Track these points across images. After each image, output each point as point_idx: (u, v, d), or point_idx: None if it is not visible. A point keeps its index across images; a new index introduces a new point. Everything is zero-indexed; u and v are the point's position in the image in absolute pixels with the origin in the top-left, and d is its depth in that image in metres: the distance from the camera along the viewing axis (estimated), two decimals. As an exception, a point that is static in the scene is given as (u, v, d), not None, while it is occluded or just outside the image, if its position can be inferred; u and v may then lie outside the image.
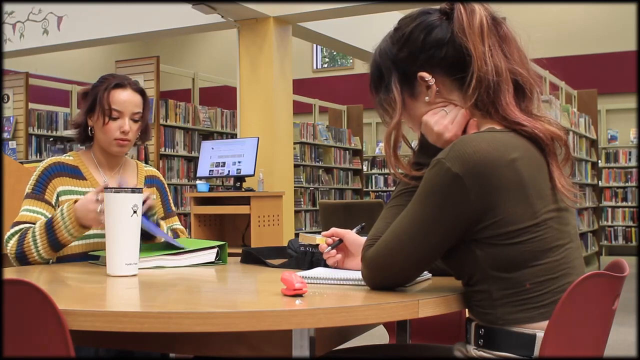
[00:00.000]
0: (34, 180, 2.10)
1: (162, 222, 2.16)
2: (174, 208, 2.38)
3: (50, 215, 2.02)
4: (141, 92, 2.20)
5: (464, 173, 1.24)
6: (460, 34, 1.34)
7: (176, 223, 2.32)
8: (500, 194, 1.24)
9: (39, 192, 2.08)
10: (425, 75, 1.38)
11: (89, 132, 2.18)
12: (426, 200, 1.29)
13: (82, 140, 2.22)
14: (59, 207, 2.07)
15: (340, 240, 1.60)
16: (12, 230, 2.01)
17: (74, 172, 2.14)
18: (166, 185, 2.38)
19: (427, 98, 1.40)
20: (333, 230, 1.63)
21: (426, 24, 1.39)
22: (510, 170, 1.25)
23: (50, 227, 1.93)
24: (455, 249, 1.31)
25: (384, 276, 1.35)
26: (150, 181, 2.32)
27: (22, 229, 2.00)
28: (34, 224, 2.01)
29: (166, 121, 6.86)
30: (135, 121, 2.16)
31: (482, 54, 1.32)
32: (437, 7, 1.42)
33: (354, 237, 1.60)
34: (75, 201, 1.92)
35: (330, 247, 1.59)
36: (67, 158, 2.18)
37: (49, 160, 2.15)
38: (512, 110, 1.32)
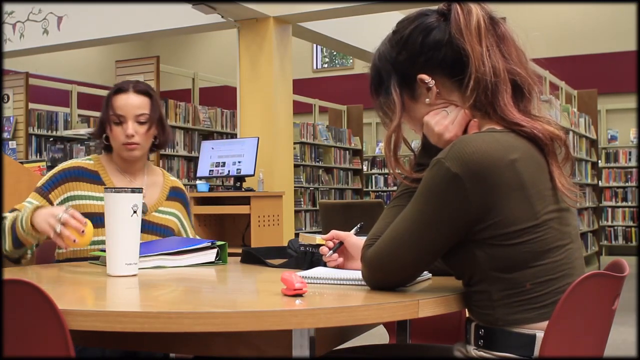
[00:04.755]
0: (48, 177, 2.10)
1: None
2: (193, 233, 2.29)
3: None
4: (146, 92, 2.17)
5: (463, 173, 1.24)
6: (457, 34, 1.34)
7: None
8: (499, 194, 1.24)
9: (45, 189, 2.07)
10: (425, 78, 1.38)
11: (105, 140, 2.18)
12: (425, 200, 1.29)
13: (103, 149, 2.21)
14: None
15: (341, 243, 1.60)
16: (5, 214, 1.99)
17: (93, 177, 2.13)
18: (189, 199, 2.33)
19: (427, 100, 1.40)
20: (333, 233, 1.62)
21: (424, 26, 1.38)
22: (510, 171, 1.25)
23: (15, 220, 1.90)
24: (455, 249, 1.31)
25: (383, 276, 1.34)
26: (175, 194, 2.27)
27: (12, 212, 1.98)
28: None
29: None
30: (142, 123, 2.13)
31: (479, 54, 1.32)
32: (435, 8, 1.42)
33: (354, 240, 1.59)
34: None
35: (331, 251, 1.59)
36: (87, 162, 2.16)
37: (69, 163, 2.13)
38: (510, 110, 1.32)
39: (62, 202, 2.08)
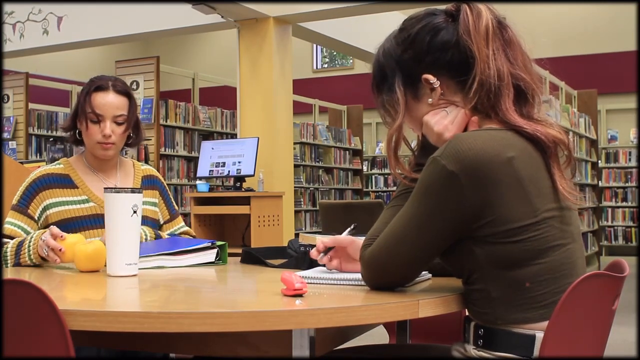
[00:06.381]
0: (21, 191, 2.09)
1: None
2: (177, 208, 2.33)
3: (31, 230, 2.03)
4: (125, 93, 2.16)
5: (459, 171, 1.24)
6: (465, 35, 1.34)
7: (181, 225, 2.29)
8: (496, 191, 1.24)
9: (23, 206, 2.07)
10: (430, 78, 1.38)
11: (77, 135, 2.17)
12: (422, 198, 1.29)
13: (73, 143, 2.21)
14: (44, 220, 2.07)
15: (330, 248, 1.53)
16: None
17: (64, 181, 2.12)
18: (166, 185, 2.33)
19: (430, 100, 1.39)
20: (334, 239, 1.54)
21: (432, 26, 1.38)
22: (507, 168, 1.25)
23: (18, 250, 1.92)
24: (454, 246, 1.31)
25: (382, 275, 1.34)
26: (149, 182, 2.26)
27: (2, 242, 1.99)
28: (12, 237, 2.00)
29: (166, 121, 6.86)
30: (119, 124, 2.13)
31: (485, 57, 1.32)
32: (443, 8, 1.41)
33: (357, 245, 1.56)
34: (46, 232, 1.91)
35: (321, 254, 1.53)
36: (57, 167, 2.15)
37: (38, 172, 2.12)
38: (512, 114, 1.32)
39: (41, 213, 2.07)
